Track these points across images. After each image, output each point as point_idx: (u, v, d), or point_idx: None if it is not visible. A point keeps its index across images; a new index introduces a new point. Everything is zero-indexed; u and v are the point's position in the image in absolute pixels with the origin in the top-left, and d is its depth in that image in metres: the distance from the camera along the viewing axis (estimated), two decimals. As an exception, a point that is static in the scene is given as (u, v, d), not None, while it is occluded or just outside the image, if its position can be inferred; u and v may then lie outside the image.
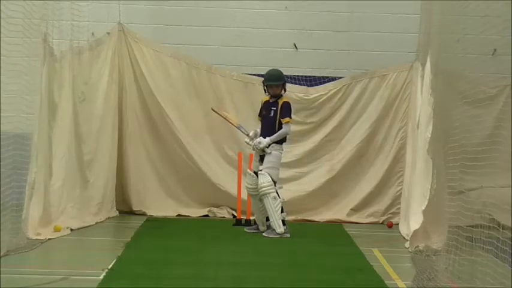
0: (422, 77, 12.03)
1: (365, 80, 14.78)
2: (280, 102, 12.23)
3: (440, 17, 10.83)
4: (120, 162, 14.38)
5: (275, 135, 12.10)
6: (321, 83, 14.89)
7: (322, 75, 14.98)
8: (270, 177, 12.01)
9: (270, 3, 15.17)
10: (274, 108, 12.19)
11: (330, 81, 14.90)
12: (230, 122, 12.99)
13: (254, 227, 12.50)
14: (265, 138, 12.13)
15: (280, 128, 12.15)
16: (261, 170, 12.10)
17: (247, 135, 12.35)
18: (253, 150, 12.32)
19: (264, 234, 12.06)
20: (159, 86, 14.58)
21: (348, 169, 14.67)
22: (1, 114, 9.61)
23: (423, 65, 12.09)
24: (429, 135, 10.87)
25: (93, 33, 13.58)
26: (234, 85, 14.74)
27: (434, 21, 11.36)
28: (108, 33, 14.00)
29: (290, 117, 12.25)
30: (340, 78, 14.90)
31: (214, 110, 13.27)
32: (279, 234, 11.92)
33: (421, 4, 12.93)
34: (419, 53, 13.16)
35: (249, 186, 12.34)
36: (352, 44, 15.12)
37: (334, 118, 14.74)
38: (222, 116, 13.13)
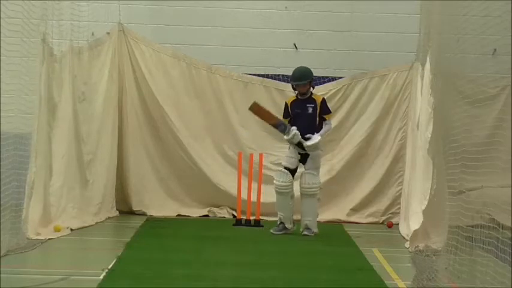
0: (422, 77, 12.04)
1: (365, 80, 14.80)
2: (318, 99, 12.24)
3: (440, 17, 10.82)
4: (120, 162, 14.38)
5: (323, 131, 12.12)
6: (321, 83, 14.87)
7: (322, 75, 14.96)
8: (319, 179, 12.14)
9: (270, 3, 15.17)
10: (312, 105, 12.12)
11: (330, 81, 14.91)
12: (269, 121, 12.42)
13: (280, 227, 12.25)
14: (305, 136, 12.01)
15: (320, 123, 12.13)
16: (307, 171, 12.05)
17: (288, 131, 12.00)
18: (292, 145, 12.09)
19: (305, 233, 12.07)
20: (159, 86, 14.59)
21: (348, 169, 14.68)
22: (1, 114, 9.61)
23: (423, 65, 12.09)
24: (429, 135, 10.86)
25: (93, 33, 13.59)
26: (234, 85, 14.75)
27: (434, 21, 11.36)
28: (108, 33, 14.00)
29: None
30: (340, 78, 14.91)
31: (254, 108, 12.49)
32: (314, 233, 12.14)
33: (421, 4, 12.93)
34: (419, 53, 13.16)
35: (282, 184, 12.06)
36: (352, 44, 15.12)
37: (334, 118, 14.68)
38: (260, 115, 12.54)
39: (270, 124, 12.41)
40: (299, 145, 12.05)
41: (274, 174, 12.37)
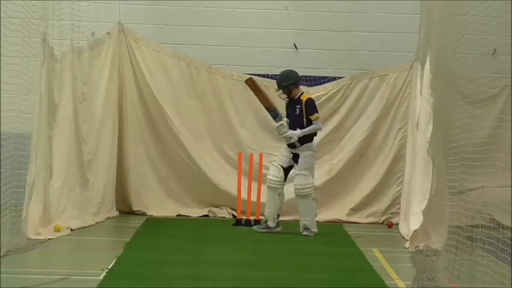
0: (422, 77, 12.04)
1: (365, 80, 14.79)
2: (304, 99, 12.35)
3: (440, 17, 10.82)
4: (120, 162, 14.38)
5: (306, 128, 12.20)
6: (321, 83, 14.88)
7: (322, 75, 14.98)
8: (312, 180, 12.22)
9: (270, 3, 15.17)
10: (299, 106, 12.31)
11: (330, 81, 14.91)
12: (263, 102, 12.68)
13: (264, 225, 12.45)
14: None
15: (308, 124, 12.25)
16: (298, 172, 12.18)
17: (278, 120, 12.29)
18: (280, 136, 12.43)
19: (305, 233, 12.16)
20: (159, 86, 14.58)
21: (348, 169, 14.68)
22: (1, 114, 9.61)
23: (423, 65, 12.09)
24: (429, 135, 10.86)
25: (93, 33, 13.59)
26: (234, 85, 14.74)
27: (434, 21, 11.35)
28: (108, 33, 13.99)
29: (318, 113, 12.44)
30: (340, 78, 14.91)
31: (249, 83, 12.88)
32: (314, 232, 12.21)
33: (421, 4, 12.92)
34: (419, 53, 13.16)
35: (273, 178, 12.32)
36: (352, 44, 15.13)
37: (334, 118, 14.74)
38: (256, 93, 12.79)
39: (263, 106, 12.65)
40: (286, 138, 12.27)
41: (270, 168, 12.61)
